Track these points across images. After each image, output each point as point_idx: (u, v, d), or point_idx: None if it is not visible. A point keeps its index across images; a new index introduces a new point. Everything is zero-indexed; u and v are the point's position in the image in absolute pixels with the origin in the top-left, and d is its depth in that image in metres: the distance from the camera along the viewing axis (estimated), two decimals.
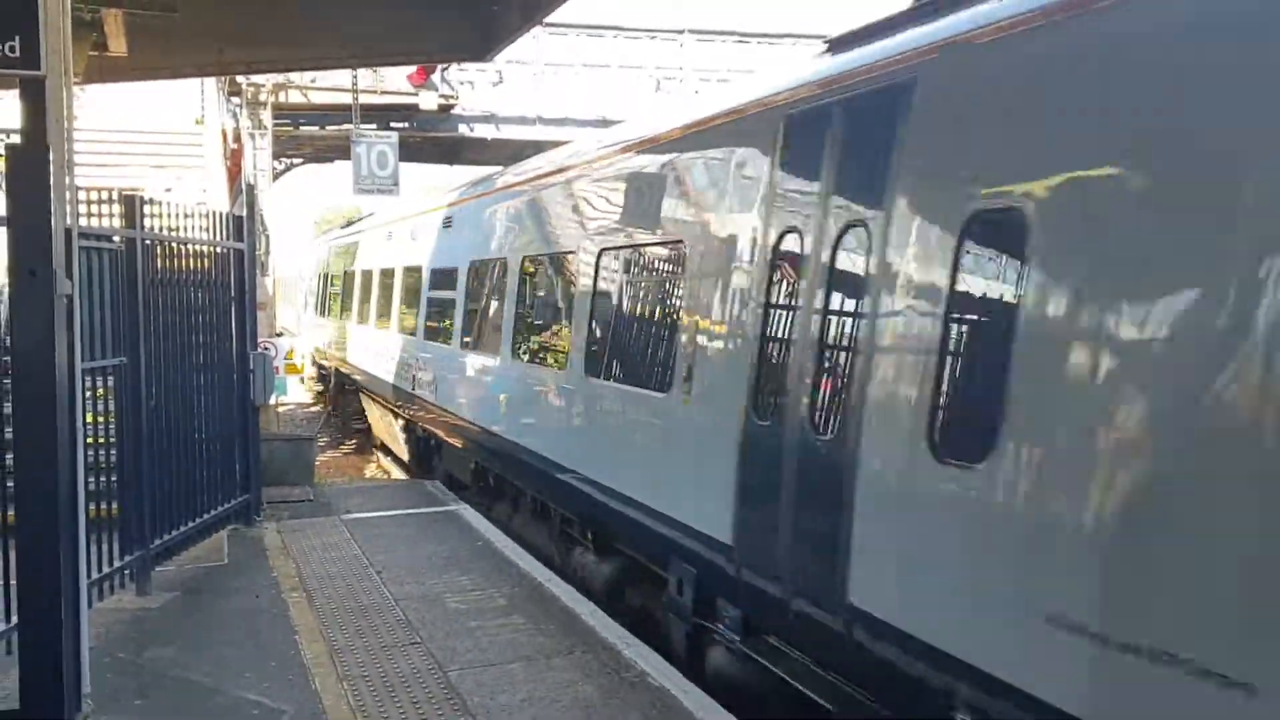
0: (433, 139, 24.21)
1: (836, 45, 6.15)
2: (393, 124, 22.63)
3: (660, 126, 7.99)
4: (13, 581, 4.81)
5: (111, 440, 7.52)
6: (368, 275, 19.02)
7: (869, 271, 5.07)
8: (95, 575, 6.93)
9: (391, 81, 22.10)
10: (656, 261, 7.80)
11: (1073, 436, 3.84)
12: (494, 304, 11.49)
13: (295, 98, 21.65)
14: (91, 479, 6.87)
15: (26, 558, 4.11)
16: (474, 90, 23.21)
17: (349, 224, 24.67)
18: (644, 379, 7.54)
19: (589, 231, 9.02)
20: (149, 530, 7.85)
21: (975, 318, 4.59)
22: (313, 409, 27.59)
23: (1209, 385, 3.40)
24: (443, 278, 13.70)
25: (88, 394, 6.69)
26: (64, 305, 4.33)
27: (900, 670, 4.69)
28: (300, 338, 29.79)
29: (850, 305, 5.23)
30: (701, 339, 6.62)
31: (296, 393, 26.12)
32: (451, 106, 23.03)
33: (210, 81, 17.26)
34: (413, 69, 20.98)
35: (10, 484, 4.69)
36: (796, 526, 5.46)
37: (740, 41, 24.86)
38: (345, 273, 21.83)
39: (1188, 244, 3.58)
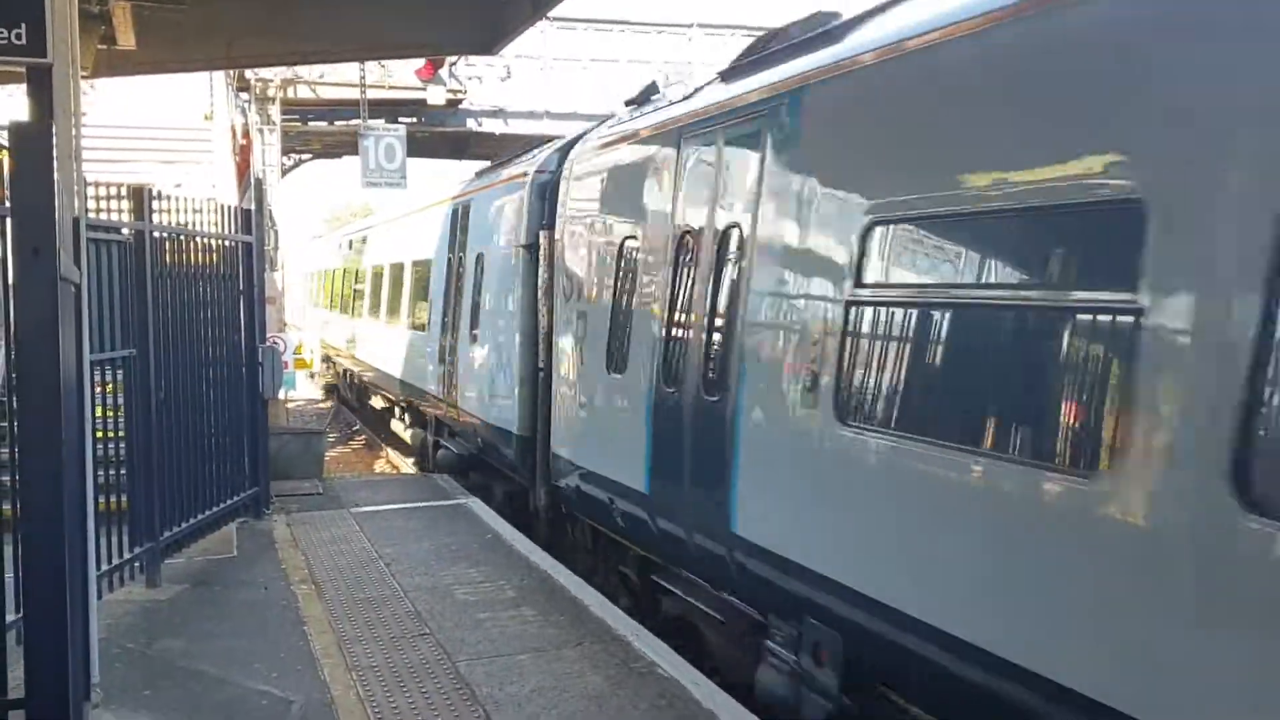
0: (440, 133, 24.20)
1: (478, 174, 14.04)
2: (401, 119, 22.62)
3: (430, 199, 16.81)
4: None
5: (120, 434, 7.53)
6: (327, 276, 29.04)
7: (477, 280, 12.31)
8: (105, 567, 6.94)
9: (399, 77, 22.08)
10: (430, 270, 15.17)
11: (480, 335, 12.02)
12: (376, 291, 19.80)
13: (304, 93, 21.65)
14: (101, 472, 6.88)
15: (32, 547, 4.10)
16: (482, 85, 23.19)
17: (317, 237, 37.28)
18: (421, 327, 15.31)
19: (405, 251, 17.36)
20: (158, 523, 7.86)
21: (485, 297, 12.00)
22: (322, 405, 27.66)
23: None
24: (355, 277, 22.82)
25: (97, 389, 6.69)
26: (70, 291, 4.32)
27: (465, 424, 12.49)
28: (304, 331, 30.49)
29: (464, 293, 12.80)
30: (434, 301, 14.48)
31: (305, 388, 26.52)
32: (459, 101, 23.00)
33: (219, 77, 17.26)
34: (421, 64, 20.95)
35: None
36: (439, 374, 13.75)
37: (748, 35, 24.74)
38: (318, 273, 32.64)
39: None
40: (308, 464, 12.57)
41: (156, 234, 7.90)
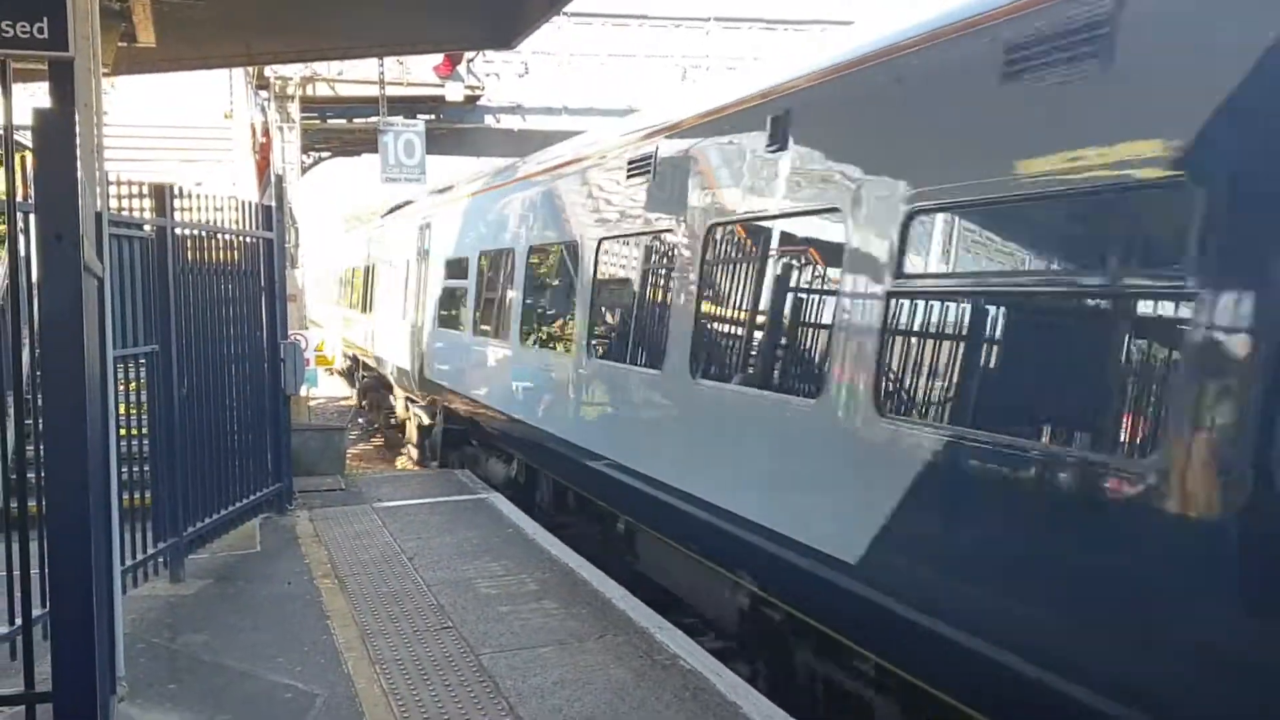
0: (458, 130, 24.23)
1: (387, 213, 22.34)
2: (419, 115, 22.67)
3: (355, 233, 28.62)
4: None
5: (144, 431, 7.56)
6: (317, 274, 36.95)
7: (374, 282, 21.47)
8: (129, 562, 6.97)
9: (418, 74, 22.16)
10: (365, 271, 22.55)
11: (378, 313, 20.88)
12: (340, 286, 28.51)
13: (323, 90, 21.75)
14: (125, 468, 6.90)
15: (57, 543, 4.10)
16: (500, 81, 23.24)
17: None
18: (363, 310, 22.28)
19: (364, 258, 23.33)
20: (182, 518, 7.89)
21: (379, 291, 20.92)
22: (344, 404, 27.79)
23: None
24: (348, 276, 29.61)
25: (120, 385, 6.72)
26: (93, 284, 4.33)
27: (381, 364, 20.58)
28: (324, 328, 31.30)
29: (374, 289, 21.49)
30: (372, 293, 21.65)
31: (327, 385, 26.95)
32: (477, 98, 23.06)
33: (239, 75, 17.36)
34: (439, 60, 20.98)
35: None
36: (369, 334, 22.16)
37: (767, 28, 24.70)
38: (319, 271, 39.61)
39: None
40: (330, 460, 12.62)
41: (178, 230, 7.92)
